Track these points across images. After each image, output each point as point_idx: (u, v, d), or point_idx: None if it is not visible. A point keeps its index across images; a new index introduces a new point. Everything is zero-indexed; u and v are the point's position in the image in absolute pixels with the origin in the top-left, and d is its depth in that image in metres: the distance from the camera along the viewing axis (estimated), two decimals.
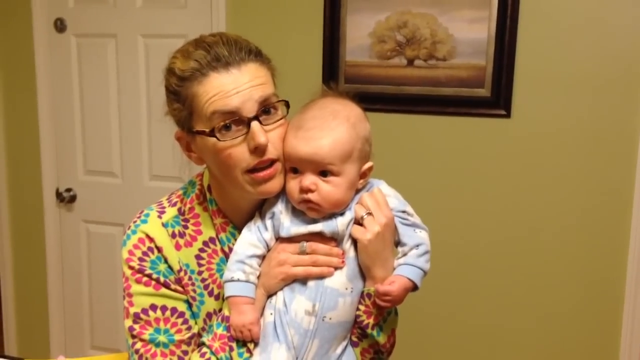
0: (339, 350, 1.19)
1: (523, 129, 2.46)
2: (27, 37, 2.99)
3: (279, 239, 1.19)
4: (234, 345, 1.15)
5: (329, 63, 2.63)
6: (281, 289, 1.17)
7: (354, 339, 1.22)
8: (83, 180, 3.06)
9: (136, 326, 1.18)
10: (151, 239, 1.20)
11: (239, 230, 1.23)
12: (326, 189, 1.13)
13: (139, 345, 1.18)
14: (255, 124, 1.12)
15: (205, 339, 1.18)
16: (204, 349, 1.17)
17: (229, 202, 1.23)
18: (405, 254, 1.17)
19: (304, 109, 1.20)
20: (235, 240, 1.22)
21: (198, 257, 1.23)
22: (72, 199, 3.10)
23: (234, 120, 1.11)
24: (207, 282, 1.22)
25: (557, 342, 2.54)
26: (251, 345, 1.16)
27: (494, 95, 2.46)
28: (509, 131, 2.48)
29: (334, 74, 2.63)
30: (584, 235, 2.45)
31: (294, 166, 1.15)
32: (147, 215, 1.23)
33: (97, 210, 3.05)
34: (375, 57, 2.57)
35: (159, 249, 1.20)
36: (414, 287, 1.15)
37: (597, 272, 2.46)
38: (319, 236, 1.16)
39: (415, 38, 2.50)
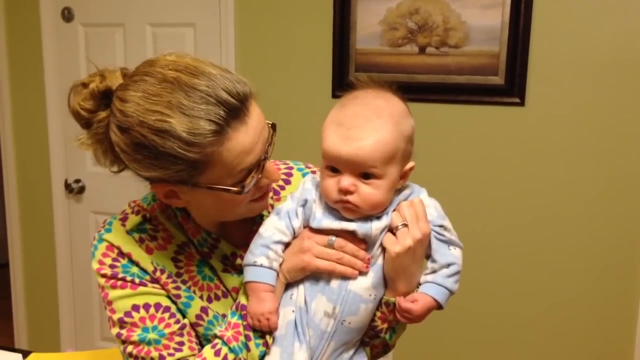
0: (351, 351, 1.16)
1: (537, 118, 2.42)
2: (34, 27, 2.97)
3: (307, 228, 1.13)
4: (250, 334, 1.10)
5: (339, 51, 2.59)
6: (302, 281, 1.12)
7: (365, 339, 1.19)
8: (92, 171, 3.04)
9: (123, 331, 1.13)
10: (117, 247, 1.16)
11: (213, 232, 1.19)
12: (366, 192, 1.06)
13: (130, 348, 1.13)
14: (268, 164, 1.10)
15: (217, 330, 1.13)
16: (216, 340, 1.12)
17: (202, 217, 1.19)
18: (434, 271, 1.11)
19: (345, 103, 1.10)
20: (212, 239, 1.19)
21: (175, 259, 1.18)
22: (81, 190, 3.09)
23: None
24: (188, 284, 1.18)
25: (571, 328, 2.51)
26: (269, 339, 1.11)
27: (508, 83, 2.41)
28: (523, 120, 2.44)
29: (344, 62, 2.59)
30: (598, 222, 2.42)
31: (333, 165, 1.08)
32: (110, 223, 1.20)
33: (106, 202, 3.03)
34: (386, 44, 2.53)
35: (128, 255, 1.15)
36: (439, 307, 1.10)
37: (611, 258, 2.43)
38: (349, 235, 1.10)
39: (427, 25, 2.46)
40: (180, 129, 0.98)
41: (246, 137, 1.02)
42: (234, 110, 1.01)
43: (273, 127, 1.11)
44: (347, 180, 1.05)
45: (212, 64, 1.04)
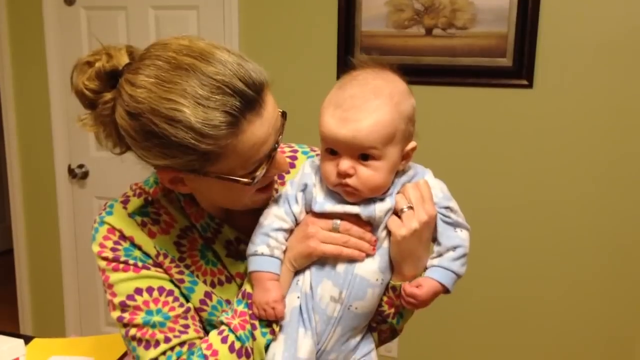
0: (358, 337, 1.14)
1: (546, 100, 2.39)
2: (36, 11, 2.95)
3: (310, 213, 1.11)
4: (256, 323, 1.08)
5: (344, 34, 2.55)
6: (307, 266, 1.10)
7: (372, 324, 1.17)
8: (95, 156, 3.02)
9: (125, 314, 1.11)
10: (119, 230, 1.13)
11: (216, 216, 1.17)
12: (366, 174, 1.03)
13: (133, 331, 1.10)
14: (278, 155, 1.07)
15: (224, 317, 1.11)
16: (222, 327, 1.10)
17: (206, 203, 1.16)
18: (440, 255, 1.09)
19: (343, 84, 1.07)
20: (216, 224, 1.17)
21: (177, 244, 1.16)
22: (85, 175, 3.07)
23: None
24: (191, 269, 1.16)
25: (582, 310, 2.49)
26: (276, 327, 1.09)
27: (516, 65, 2.38)
28: (531, 102, 2.40)
29: (349, 45, 2.55)
30: (608, 204, 2.40)
31: (331, 148, 1.05)
32: (112, 206, 1.17)
33: (110, 187, 3.00)
34: (392, 26, 2.49)
35: (130, 239, 1.13)
36: (445, 291, 1.08)
37: (622, 239, 2.41)
38: (353, 217, 1.08)
39: (434, 6, 2.42)
40: (194, 119, 0.94)
41: (261, 129, 0.99)
42: (250, 101, 0.97)
43: (283, 115, 1.08)
44: (345, 163, 1.03)
45: (226, 50, 1.00)
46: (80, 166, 3.06)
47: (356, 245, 1.07)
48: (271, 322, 1.09)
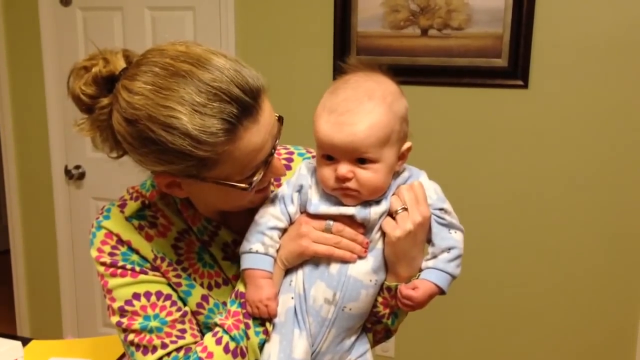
0: (353, 338, 1.14)
1: (541, 100, 2.39)
2: (32, 12, 2.94)
3: (305, 213, 1.12)
4: (250, 322, 1.09)
5: (340, 34, 2.56)
6: (301, 267, 1.11)
7: (367, 325, 1.18)
8: (92, 157, 3.02)
9: (124, 319, 1.12)
10: (116, 235, 1.14)
11: (213, 219, 1.18)
12: (365, 177, 1.04)
13: (132, 336, 1.12)
14: (276, 160, 1.07)
15: (218, 318, 1.12)
16: (217, 328, 1.11)
17: (203, 206, 1.17)
18: (435, 256, 1.10)
19: (335, 88, 1.08)
20: (213, 228, 1.17)
21: (175, 246, 1.16)
22: (81, 176, 3.07)
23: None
24: (189, 272, 1.16)
25: (577, 307, 2.50)
26: (269, 326, 1.10)
27: (511, 65, 2.38)
28: (526, 102, 2.41)
29: (345, 45, 2.56)
30: (604, 205, 2.40)
31: (328, 153, 1.06)
32: (109, 210, 1.18)
33: (107, 187, 3.01)
34: (388, 27, 2.50)
35: (127, 243, 1.14)
36: (441, 292, 1.09)
37: (616, 239, 2.42)
38: (348, 219, 1.08)
39: (430, 6, 2.43)
40: (191, 126, 0.95)
41: (258, 135, 1.00)
42: (247, 108, 0.98)
43: (280, 120, 1.08)
44: (344, 168, 1.04)
45: (223, 55, 1.01)
46: (77, 167, 3.06)
47: (348, 247, 1.08)
48: (264, 321, 1.10)
